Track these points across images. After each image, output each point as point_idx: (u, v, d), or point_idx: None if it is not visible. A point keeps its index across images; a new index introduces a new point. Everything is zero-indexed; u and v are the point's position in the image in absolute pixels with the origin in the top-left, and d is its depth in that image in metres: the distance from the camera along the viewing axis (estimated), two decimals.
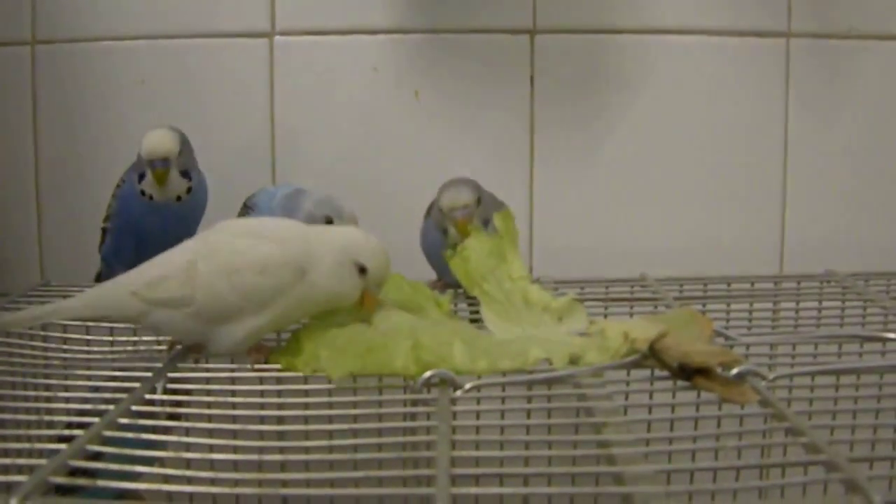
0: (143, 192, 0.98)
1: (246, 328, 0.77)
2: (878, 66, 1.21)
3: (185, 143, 0.99)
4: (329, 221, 0.94)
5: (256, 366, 0.78)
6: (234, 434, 0.64)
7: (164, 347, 0.85)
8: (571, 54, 1.20)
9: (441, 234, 0.98)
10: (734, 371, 0.69)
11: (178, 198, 0.99)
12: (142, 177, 0.98)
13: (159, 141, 0.97)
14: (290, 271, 0.78)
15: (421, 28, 1.20)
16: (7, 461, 0.56)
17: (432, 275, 1.04)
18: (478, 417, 0.72)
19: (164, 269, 0.79)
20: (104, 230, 1.06)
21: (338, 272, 0.80)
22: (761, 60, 1.21)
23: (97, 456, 0.59)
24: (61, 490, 0.56)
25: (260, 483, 0.57)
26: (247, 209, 1.01)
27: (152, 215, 0.99)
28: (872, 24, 1.21)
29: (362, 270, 0.80)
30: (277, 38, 1.21)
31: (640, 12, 1.20)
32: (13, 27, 1.22)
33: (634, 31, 1.20)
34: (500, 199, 1.00)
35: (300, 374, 0.75)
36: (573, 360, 0.74)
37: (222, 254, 0.78)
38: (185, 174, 0.99)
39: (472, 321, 0.89)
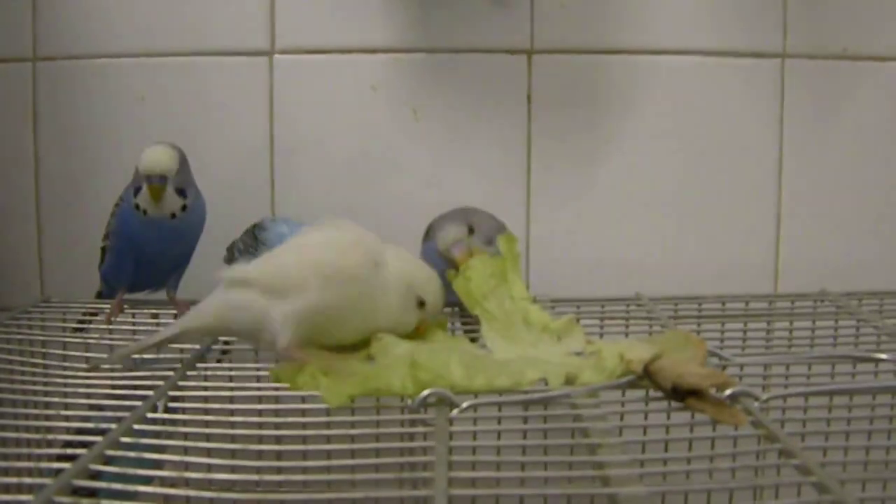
0: (137, 206, 0.98)
1: (306, 301, 0.80)
2: (872, 86, 1.22)
3: (183, 161, 0.99)
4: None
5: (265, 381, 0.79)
6: (233, 454, 0.65)
7: (164, 365, 0.85)
8: (568, 74, 1.21)
9: (447, 263, 0.99)
10: (727, 392, 0.70)
11: (173, 215, 0.99)
12: (137, 190, 0.98)
13: (158, 157, 0.97)
14: (360, 254, 0.82)
15: (419, 47, 1.21)
16: (11, 480, 0.57)
17: None
18: (475, 438, 0.72)
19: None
20: (104, 249, 1.06)
21: (402, 303, 0.84)
22: (756, 81, 1.21)
23: (98, 475, 0.60)
24: None
25: (259, 502, 0.58)
26: (256, 241, 1.02)
27: (148, 231, 0.99)
28: (867, 46, 1.22)
29: (421, 304, 0.85)
30: (277, 56, 1.21)
31: (637, 33, 1.21)
32: (14, 44, 1.22)
33: (631, 51, 1.21)
34: (499, 220, 1.01)
35: (299, 391, 0.76)
36: (569, 381, 0.75)
37: (296, 239, 0.86)
38: (181, 192, 0.99)
39: (471, 341, 0.90)
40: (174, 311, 1.02)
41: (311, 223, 0.99)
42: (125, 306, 1.03)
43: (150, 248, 1.00)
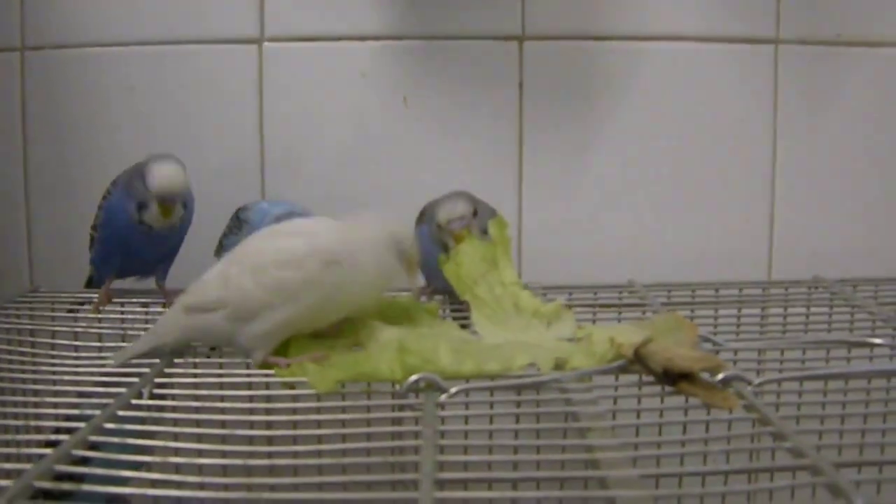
0: (141, 222, 0.96)
1: (275, 321, 0.79)
2: (866, 72, 1.22)
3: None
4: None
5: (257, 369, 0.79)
6: (223, 439, 0.64)
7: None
8: (560, 61, 1.20)
9: (439, 248, 0.98)
10: (720, 376, 0.69)
11: (172, 226, 0.98)
12: (142, 206, 0.95)
13: (172, 178, 0.94)
14: (317, 262, 0.79)
15: (410, 34, 1.20)
16: None
17: (421, 280, 1.04)
18: (466, 422, 0.72)
19: (204, 279, 0.84)
20: (92, 237, 1.05)
21: (382, 268, 0.82)
22: (750, 67, 1.21)
23: (85, 461, 0.59)
24: (48, 495, 0.55)
25: (249, 487, 0.57)
26: (239, 221, 1.01)
27: (144, 238, 0.98)
28: (860, 31, 1.21)
29: (404, 256, 0.84)
30: (266, 44, 1.21)
31: (629, 19, 1.20)
32: (2, 34, 1.22)
33: (623, 37, 1.20)
34: (493, 207, 1.01)
35: (287, 378, 0.75)
36: (559, 365, 0.75)
37: (249, 255, 0.82)
38: (185, 204, 0.98)
39: (462, 328, 0.90)
40: (163, 301, 1.01)
41: (294, 204, 0.99)
42: (113, 298, 1.02)
43: (140, 248, 0.99)
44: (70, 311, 1.00)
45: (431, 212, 0.99)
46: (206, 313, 0.81)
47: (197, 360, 0.83)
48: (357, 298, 0.83)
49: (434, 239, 0.99)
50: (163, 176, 0.94)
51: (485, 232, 0.97)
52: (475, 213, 0.97)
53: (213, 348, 0.87)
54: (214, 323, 0.80)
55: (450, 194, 0.99)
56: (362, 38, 1.20)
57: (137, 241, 0.98)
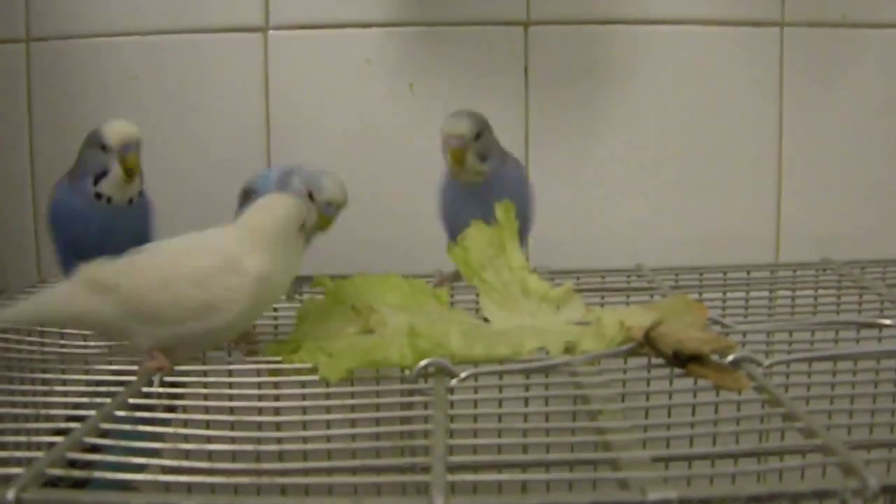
0: (98, 196, 0.92)
1: (170, 333, 0.75)
2: (871, 54, 1.21)
3: None
4: (311, 197, 0.94)
5: (251, 358, 0.78)
6: (232, 425, 0.64)
7: None
8: (565, 45, 1.20)
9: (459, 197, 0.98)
10: (729, 358, 0.69)
11: (130, 200, 0.94)
12: (100, 176, 0.92)
13: (127, 125, 0.91)
14: (221, 287, 0.75)
15: (415, 21, 1.20)
16: (5, 454, 0.56)
17: (429, 268, 1.04)
18: (476, 406, 0.72)
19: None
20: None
21: (282, 258, 0.78)
22: (755, 50, 1.21)
23: (96, 448, 0.59)
24: (59, 482, 0.56)
25: (259, 473, 0.57)
26: (247, 194, 1.00)
27: (103, 220, 0.93)
28: (866, 13, 1.21)
29: (302, 227, 0.81)
30: (271, 32, 1.20)
31: (634, 3, 1.20)
32: (8, 25, 1.22)
33: (628, 21, 1.20)
34: (516, 157, 1.00)
35: (299, 364, 0.75)
36: (569, 349, 0.75)
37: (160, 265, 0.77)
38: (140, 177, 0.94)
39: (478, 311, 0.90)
40: None
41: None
42: None
43: (100, 234, 0.94)
44: None
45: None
46: (102, 293, 0.75)
47: None
48: (267, 301, 0.80)
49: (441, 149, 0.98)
50: (117, 125, 0.92)
51: (483, 159, 0.96)
52: (478, 136, 0.95)
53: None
54: (108, 312, 0.75)
55: (460, 111, 0.97)
56: (367, 26, 1.20)
57: (96, 228, 0.93)
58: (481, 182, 0.97)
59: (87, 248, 0.90)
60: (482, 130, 0.96)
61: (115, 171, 0.92)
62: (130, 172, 0.91)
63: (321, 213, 0.94)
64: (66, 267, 0.97)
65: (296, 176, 0.96)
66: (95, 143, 0.93)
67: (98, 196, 0.92)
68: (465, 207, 0.96)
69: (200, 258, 0.76)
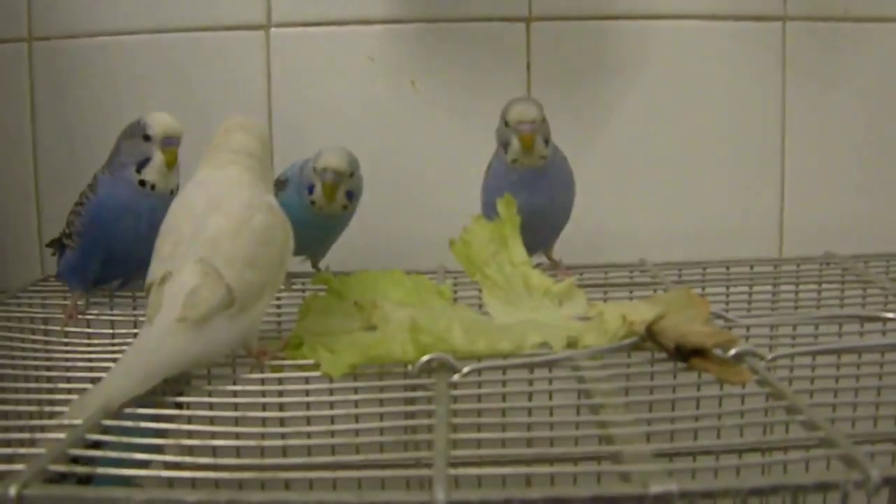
0: (142, 183, 0.92)
1: (266, 297, 0.75)
2: (874, 48, 1.21)
3: None
4: (316, 172, 0.98)
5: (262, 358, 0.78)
6: (236, 421, 0.65)
7: None
8: (568, 41, 1.20)
9: (501, 149, 0.99)
10: (732, 352, 0.69)
11: (171, 192, 0.93)
12: (142, 164, 0.92)
13: (172, 119, 0.93)
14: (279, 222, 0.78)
15: (417, 17, 1.20)
16: (9, 451, 0.56)
17: (432, 264, 1.04)
18: (479, 401, 0.72)
19: (176, 289, 0.70)
20: (63, 245, 1.00)
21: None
22: (758, 44, 1.20)
23: (99, 445, 0.59)
24: (63, 479, 0.56)
25: (262, 468, 0.57)
26: (281, 183, 1.01)
27: (147, 214, 0.90)
28: (868, 7, 1.21)
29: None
30: (273, 30, 1.20)
31: None
32: (10, 24, 1.22)
33: (630, 16, 1.20)
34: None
35: (303, 360, 0.75)
36: (571, 343, 0.75)
37: (221, 244, 0.72)
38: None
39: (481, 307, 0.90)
40: None
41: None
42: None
43: (126, 243, 0.93)
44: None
45: (507, 109, 0.99)
46: (209, 321, 0.69)
47: None
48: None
49: (499, 137, 1.00)
50: (161, 117, 0.93)
51: (546, 142, 0.98)
52: (544, 120, 0.98)
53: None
54: (222, 328, 0.70)
55: (523, 97, 1.00)
56: (369, 23, 1.20)
57: (145, 222, 0.90)
58: (542, 166, 0.99)
59: (129, 245, 0.93)
60: (544, 115, 0.98)
61: (157, 158, 0.93)
62: (173, 161, 0.93)
63: (323, 182, 0.97)
64: (74, 275, 0.97)
65: (311, 159, 1.00)
66: (137, 133, 0.94)
67: (142, 183, 0.93)
68: (521, 193, 0.96)
69: (256, 215, 0.75)
